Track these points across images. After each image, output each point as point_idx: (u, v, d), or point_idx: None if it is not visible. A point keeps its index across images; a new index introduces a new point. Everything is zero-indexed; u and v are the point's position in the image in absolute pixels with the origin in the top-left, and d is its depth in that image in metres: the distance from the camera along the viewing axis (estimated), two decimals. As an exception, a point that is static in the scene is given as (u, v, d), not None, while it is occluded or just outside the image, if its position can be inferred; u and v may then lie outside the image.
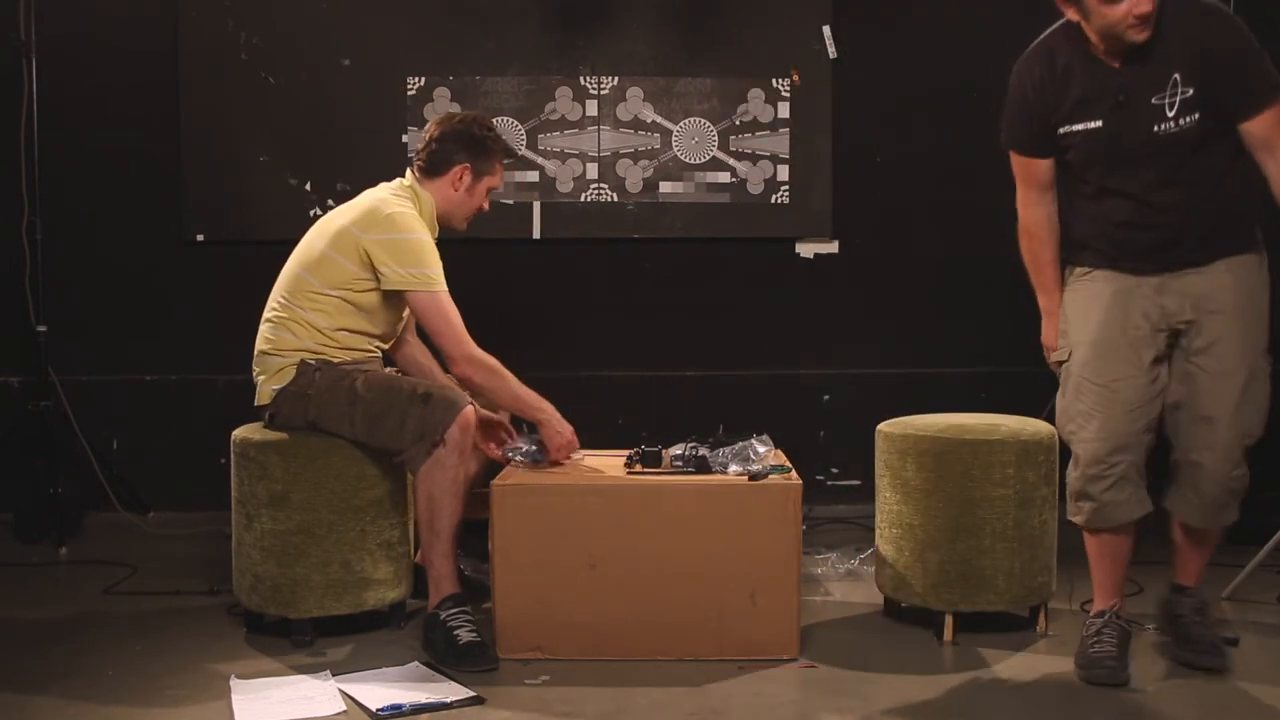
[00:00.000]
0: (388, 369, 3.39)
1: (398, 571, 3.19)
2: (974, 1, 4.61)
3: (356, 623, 3.15)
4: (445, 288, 3.15)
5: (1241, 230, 2.77)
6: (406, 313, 3.33)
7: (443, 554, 3.03)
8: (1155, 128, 2.66)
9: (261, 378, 3.22)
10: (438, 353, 3.32)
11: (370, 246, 3.13)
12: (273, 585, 3.09)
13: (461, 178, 3.30)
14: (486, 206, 3.43)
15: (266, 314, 3.26)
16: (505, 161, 3.42)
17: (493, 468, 3.31)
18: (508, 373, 3.21)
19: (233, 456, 3.18)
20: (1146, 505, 2.81)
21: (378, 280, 3.14)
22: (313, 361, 3.16)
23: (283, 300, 3.22)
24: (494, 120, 3.58)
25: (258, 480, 3.09)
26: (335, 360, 3.18)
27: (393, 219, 3.15)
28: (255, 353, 3.25)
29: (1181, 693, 2.72)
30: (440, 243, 3.29)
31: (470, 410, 3.03)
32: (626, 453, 3.26)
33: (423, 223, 3.23)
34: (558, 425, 3.21)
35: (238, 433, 3.21)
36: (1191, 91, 2.63)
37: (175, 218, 4.52)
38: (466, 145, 3.30)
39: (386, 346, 3.37)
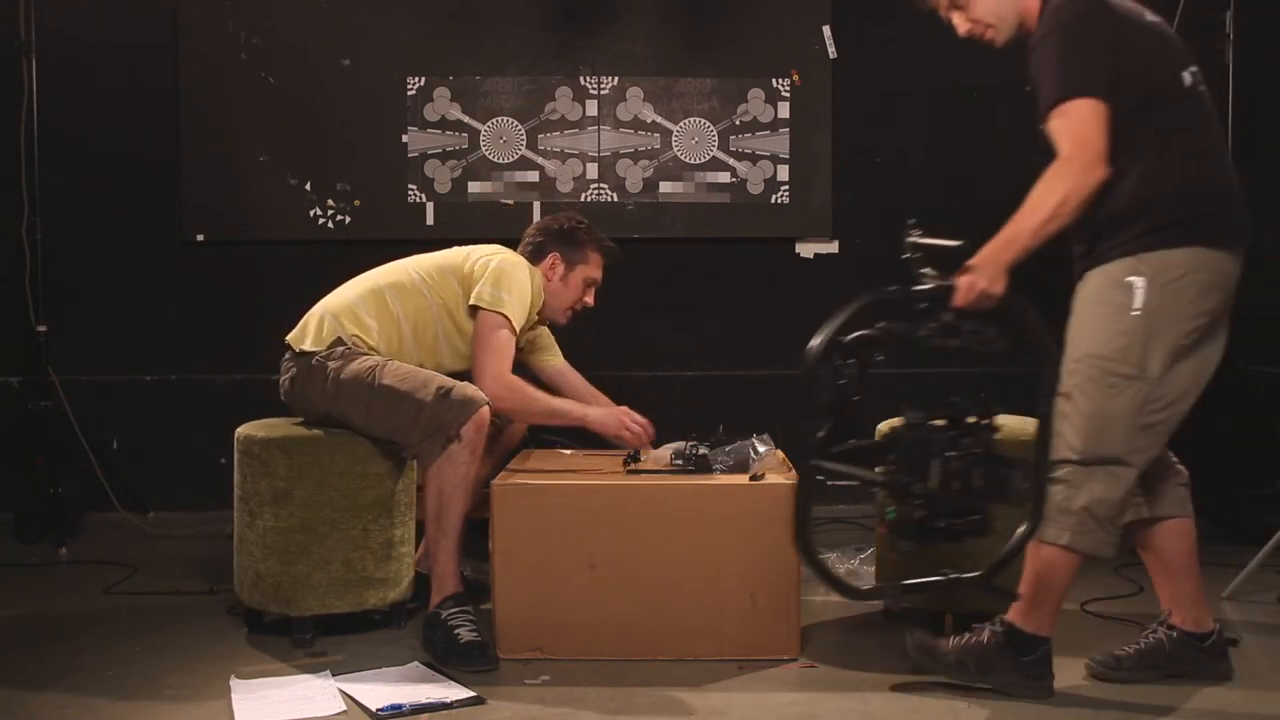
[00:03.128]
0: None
1: (399, 571, 3.19)
2: (974, 1, 4.61)
3: (357, 622, 3.15)
4: (511, 323, 3.25)
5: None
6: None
7: (448, 551, 3.03)
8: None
9: (310, 327, 3.24)
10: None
11: (476, 265, 3.29)
12: (274, 583, 3.08)
13: (554, 266, 3.47)
14: (591, 301, 3.56)
15: (358, 288, 3.31)
16: (602, 254, 3.53)
17: (498, 466, 3.31)
18: (537, 393, 3.31)
19: (236, 454, 3.17)
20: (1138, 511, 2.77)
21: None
22: (347, 341, 3.19)
23: (382, 287, 3.29)
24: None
25: (261, 477, 3.09)
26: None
27: (507, 256, 3.35)
28: (325, 307, 3.28)
29: (1182, 694, 2.72)
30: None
31: (487, 410, 3.05)
32: (626, 453, 3.26)
33: (528, 275, 3.36)
34: (608, 422, 3.29)
35: (241, 430, 3.20)
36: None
37: (175, 218, 4.52)
38: (555, 236, 3.49)
39: None
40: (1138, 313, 2.56)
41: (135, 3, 4.52)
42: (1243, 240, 2.65)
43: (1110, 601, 3.38)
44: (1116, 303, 2.58)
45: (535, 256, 3.48)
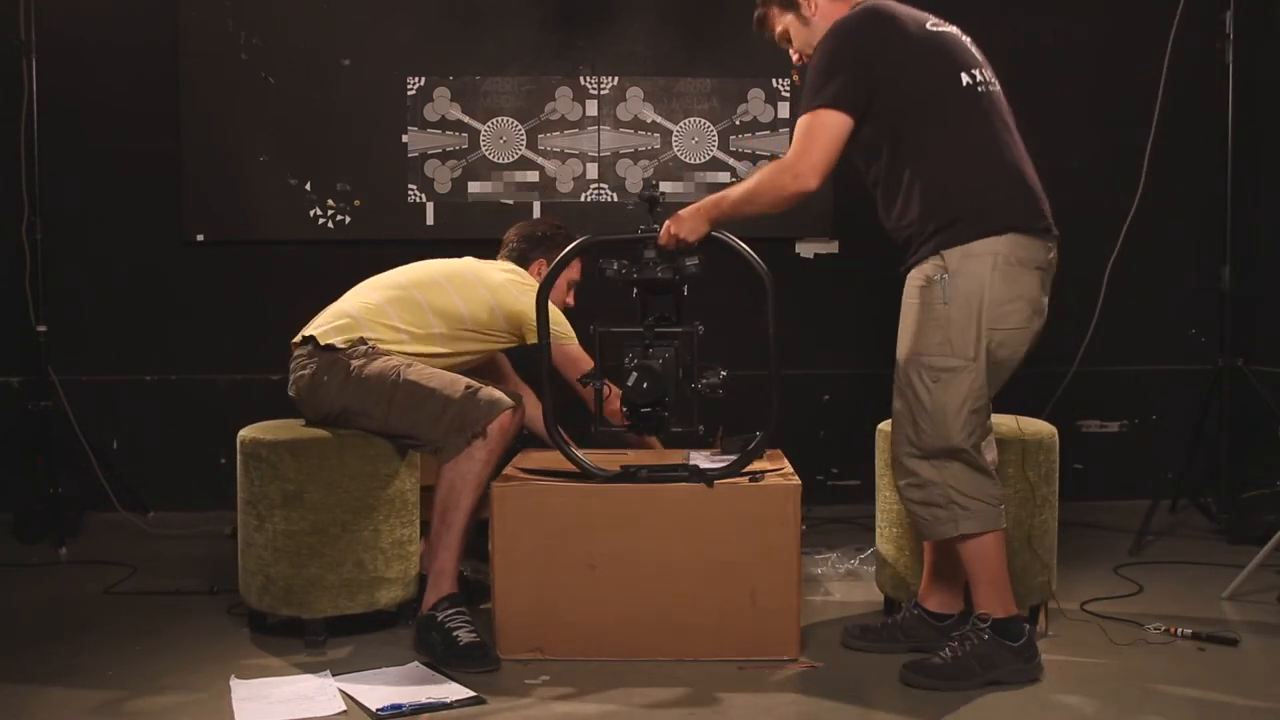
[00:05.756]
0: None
1: (408, 570, 3.18)
2: (972, 1, 4.61)
3: (362, 622, 3.15)
4: (576, 340, 3.38)
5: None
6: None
7: (450, 548, 3.03)
8: None
9: (335, 324, 3.24)
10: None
11: (525, 311, 3.30)
12: (286, 586, 3.07)
13: (540, 271, 3.51)
14: (571, 301, 3.64)
15: (382, 290, 3.34)
16: (580, 256, 3.52)
17: (499, 466, 3.31)
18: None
19: (241, 457, 3.15)
20: None
21: (522, 339, 3.37)
22: (370, 342, 3.21)
23: (413, 297, 3.31)
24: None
25: (270, 481, 3.08)
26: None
27: (526, 284, 3.41)
28: (349, 309, 3.28)
29: (1183, 692, 2.72)
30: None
31: (510, 414, 3.08)
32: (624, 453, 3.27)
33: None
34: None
35: (244, 432, 3.18)
36: None
37: (175, 218, 4.52)
38: (539, 243, 3.59)
39: None
40: (946, 305, 2.72)
41: (135, 3, 4.52)
42: (1037, 225, 2.76)
43: (1110, 602, 3.38)
44: (926, 301, 2.76)
45: (520, 263, 3.55)
